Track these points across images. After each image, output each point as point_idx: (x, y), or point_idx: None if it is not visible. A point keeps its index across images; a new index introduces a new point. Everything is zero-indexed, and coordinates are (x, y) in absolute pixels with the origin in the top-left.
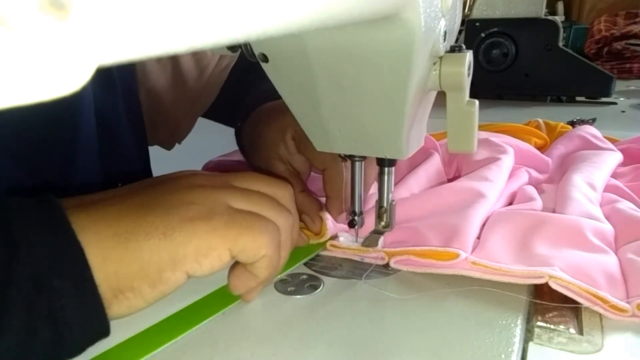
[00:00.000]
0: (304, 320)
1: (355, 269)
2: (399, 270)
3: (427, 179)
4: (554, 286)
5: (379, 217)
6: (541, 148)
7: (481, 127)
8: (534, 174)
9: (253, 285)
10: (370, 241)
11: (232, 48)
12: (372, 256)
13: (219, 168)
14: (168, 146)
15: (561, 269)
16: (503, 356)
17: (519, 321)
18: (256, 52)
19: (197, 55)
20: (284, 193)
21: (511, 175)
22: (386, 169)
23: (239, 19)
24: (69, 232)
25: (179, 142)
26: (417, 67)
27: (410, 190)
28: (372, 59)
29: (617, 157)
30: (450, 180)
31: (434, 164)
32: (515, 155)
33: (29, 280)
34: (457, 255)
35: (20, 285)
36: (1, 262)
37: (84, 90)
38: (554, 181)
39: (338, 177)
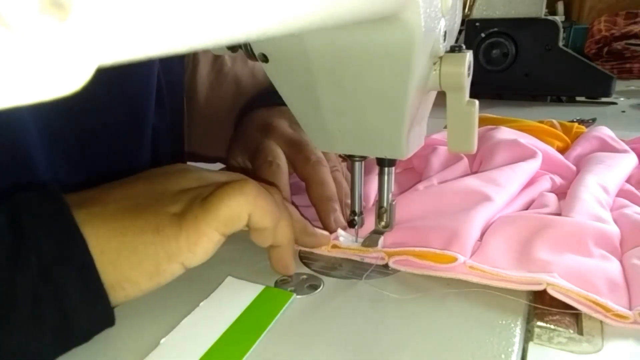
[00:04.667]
0: (304, 320)
1: (355, 269)
2: (399, 271)
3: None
4: (552, 293)
5: (379, 217)
6: (562, 151)
7: (501, 122)
8: (558, 181)
9: (285, 255)
10: (370, 241)
11: (232, 48)
12: (372, 256)
13: None
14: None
15: (561, 274)
16: (503, 356)
17: (519, 321)
18: (256, 52)
19: (252, 68)
20: (273, 192)
21: (533, 181)
22: (386, 169)
23: (239, 19)
24: (72, 225)
25: None
26: (417, 67)
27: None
28: (372, 59)
29: (633, 160)
30: None
31: (462, 167)
32: (543, 160)
33: (35, 268)
34: (454, 259)
35: (27, 273)
36: (11, 250)
37: (149, 105)
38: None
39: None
